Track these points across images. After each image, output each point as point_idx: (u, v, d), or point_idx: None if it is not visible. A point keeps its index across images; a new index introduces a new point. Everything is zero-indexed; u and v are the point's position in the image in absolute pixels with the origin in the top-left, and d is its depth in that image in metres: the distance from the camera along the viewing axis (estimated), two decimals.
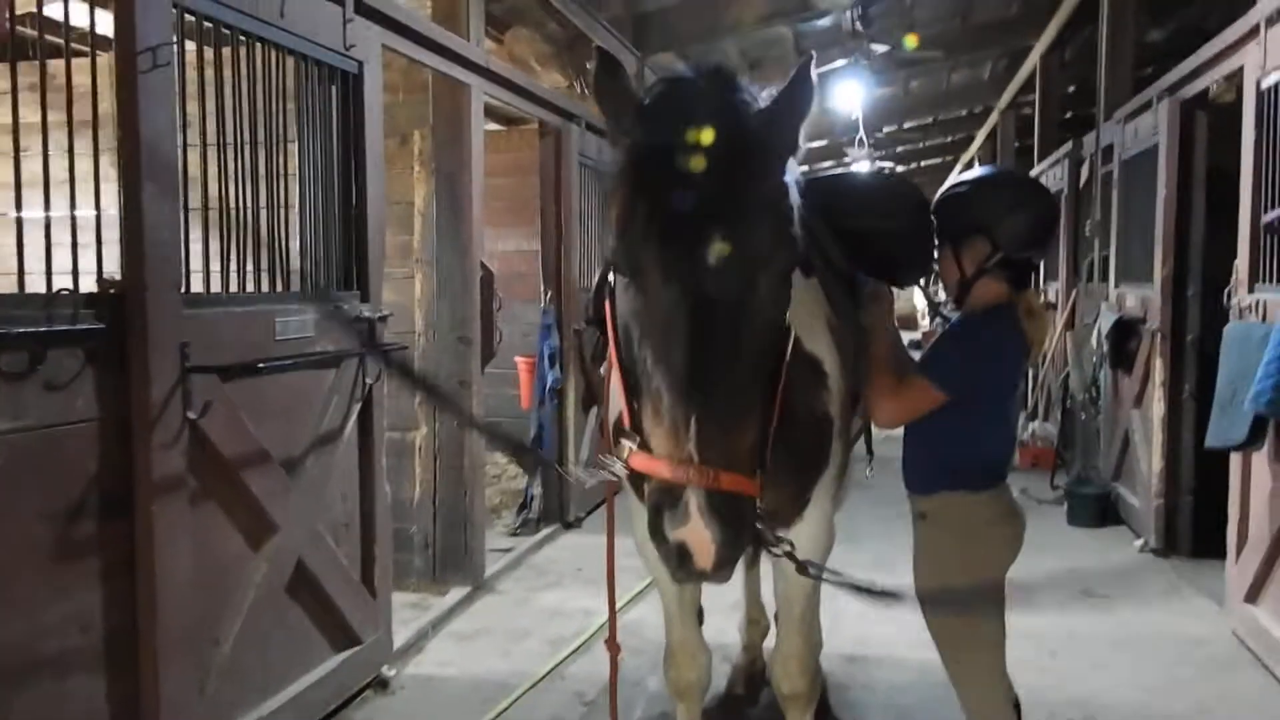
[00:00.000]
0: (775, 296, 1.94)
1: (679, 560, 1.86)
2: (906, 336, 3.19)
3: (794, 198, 2.14)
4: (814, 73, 2.05)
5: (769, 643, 3.43)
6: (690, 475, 1.81)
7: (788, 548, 2.17)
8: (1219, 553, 5.20)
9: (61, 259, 2.85)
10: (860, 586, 2.26)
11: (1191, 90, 6.00)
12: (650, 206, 1.85)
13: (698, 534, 1.82)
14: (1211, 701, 4.18)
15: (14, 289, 2.77)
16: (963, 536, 2.86)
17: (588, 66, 8.42)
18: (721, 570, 1.87)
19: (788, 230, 1.94)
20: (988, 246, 2.86)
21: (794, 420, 2.62)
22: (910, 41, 10.56)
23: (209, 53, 3.42)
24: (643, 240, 1.86)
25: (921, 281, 3.53)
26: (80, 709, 2.86)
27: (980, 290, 2.90)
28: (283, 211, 3.82)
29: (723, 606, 4.60)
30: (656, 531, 1.88)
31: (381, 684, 4.29)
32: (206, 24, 3.35)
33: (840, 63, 11.31)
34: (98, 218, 3.04)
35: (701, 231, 1.82)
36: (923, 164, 21.81)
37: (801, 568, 2.23)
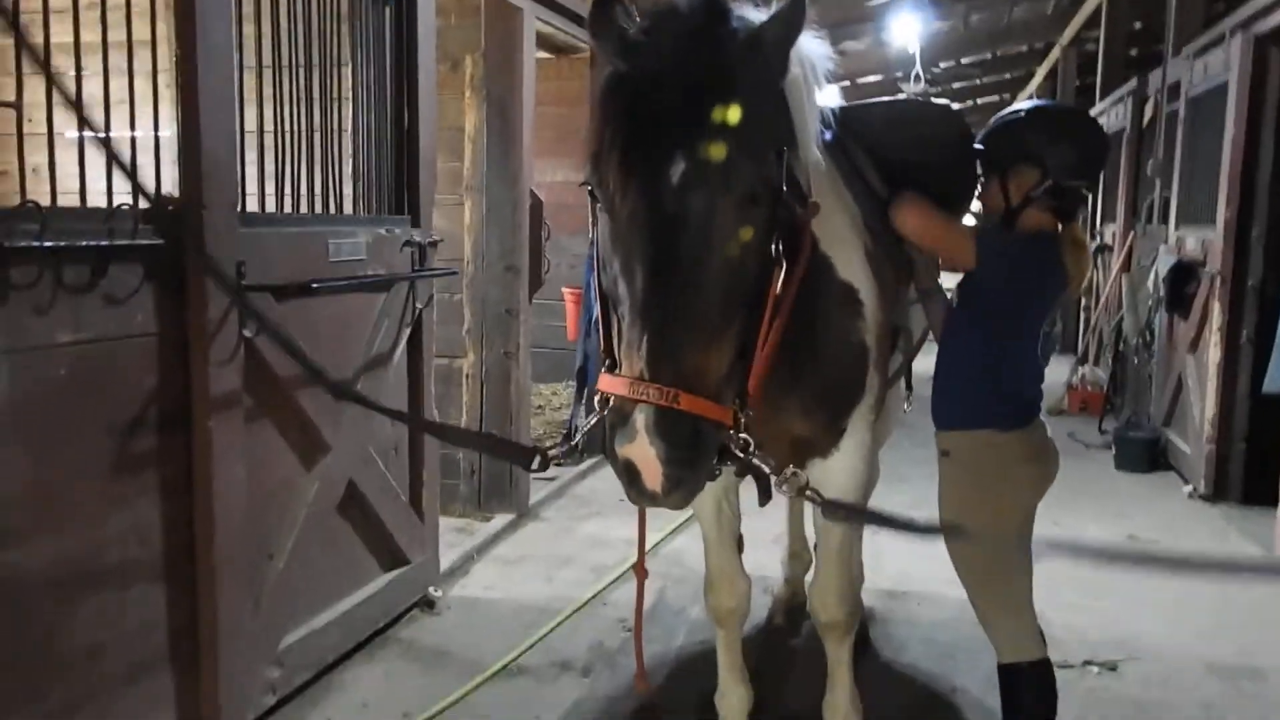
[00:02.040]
0: (748, 221, 1.92)
1: (629, 479, 1.87)
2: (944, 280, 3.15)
3: (808, 124, 2.14)
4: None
5: (811, 576, 3.46)
6: (646, 392, 1.80)
7: (798, 480, 2.13)
8: (1270, 500, 5.14)
9: (121, 181, 2.87)
10: (885, 517, 2.25)
11: (1267, 25, 5.78)
12: (617, 130, 1.90)
13: (642, 451, 1.82)
14: (1255, 646, 4.16)
15: (76, 204, 2.81)
16: (984, 475, 2.84)
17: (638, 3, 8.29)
18: (675, 493, 1.86)
19: (764, 156, 1.94)
20: (1036, 174, 2.81)
21: (826, 348, 2.61)
22: None
23: None
24: (608, 162, 1.90)
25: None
26: (139, 619, 2.94)
27: (1025, 220, 2.86)
28: (336, 135, 3.82)
29: (766, 540, 4.63)
30: (609, 449, 1.89)
31: (428, 604, 4.39)
32: None
33: None
34: (156, 138, 3.06)
35: (665, 152, 1.85)
36: (979, 101, 21.30)
37: (822, 502, 2.20)
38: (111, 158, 2.54)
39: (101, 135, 2.60)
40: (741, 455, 2.00)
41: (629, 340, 1.87)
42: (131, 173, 2.63)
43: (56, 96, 2.54)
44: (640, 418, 1.81)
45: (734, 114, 1.87)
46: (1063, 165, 2.80)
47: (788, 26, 2.01)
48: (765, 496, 2.21)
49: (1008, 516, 2.84)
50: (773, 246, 2.01)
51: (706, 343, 1.88)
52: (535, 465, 2.36)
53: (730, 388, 1.97)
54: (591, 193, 2.02)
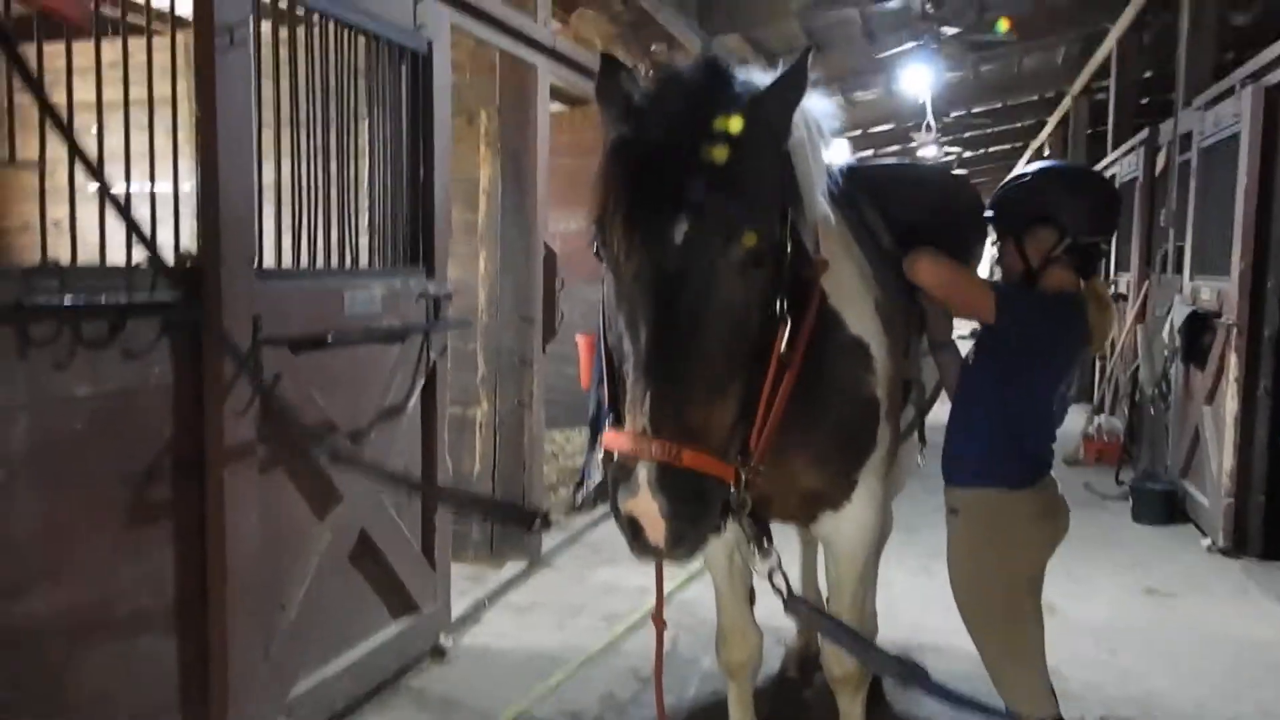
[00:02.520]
0: (751, 280, 1.96)
1: (632, 534, 1.89)
2: (968, 326, 3.17)
3: (814, 184, 2.21)
4: (810, 63, 2.09)
5: None
6: (650, 449, 1.83)
7: (773, 563, 2.14)
8: None
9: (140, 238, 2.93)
10: (850, 631, 2.25)
11: (1276, 76, 5.82)
12: (620, 193, 1.94)
13: (645, 507, 1.84)
14: (1275, 704, 4.09)
15: (95, 261, 2.86)
16: (994, 533, 2.83)
17: (653, 49, 8.42)
18: (678, 548, 1.88)
19: (766, 217, 1.98)
20: (1054, 235, 2.84)
21: (837, 401, 2.63)
22: (1003, 25, 10.35)
23: (284, 32, 3.48)
24: (612, 224, 1.94)
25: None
26: (150, 668, 2.96)
27: (1047, 281, 2.88)
28: (352, 188, 3.89)
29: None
30: (613, 504, 1.91)
31: (439, 653, 4.38)
32: (282, 3, 3.41)
33: (909, 45, 11.14)
34: (175, 193, 3.13)
35: (666, 214, 1.89)
36: (991, 150, 21.40)
37: (791, 600, 2.19)
38: (131, 225, 2.59)
39: (119, 195, 2.66)
40: (735, 513, 2.01)
41: (633, 397, 1.89)
42: (150, 238, 2.69)
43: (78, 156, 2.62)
44: (643, 473, 1.83)
45: (735, 176, 1.91)
46: (1079, 223, 2.83)
47: (790, 90, 2.06)
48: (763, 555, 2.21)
49: (1018, 573, 2.83)
50: (777, 304, 2.03)
51: (709, 399, 1.90)
52: (536, 527, 2.38)
53: (734, 444, 1.99)
54: (597, 253, 2.06)
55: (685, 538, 1.88)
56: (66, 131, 2.53)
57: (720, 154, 1.91)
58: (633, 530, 1.88)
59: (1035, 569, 2.87)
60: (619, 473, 1.89)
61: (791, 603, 2.13)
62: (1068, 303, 2.84)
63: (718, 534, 2.05)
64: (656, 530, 1.85)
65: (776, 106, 2.05)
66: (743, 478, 2.01)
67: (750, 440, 2.05)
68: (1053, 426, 2.98)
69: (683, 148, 1.92)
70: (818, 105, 2.39)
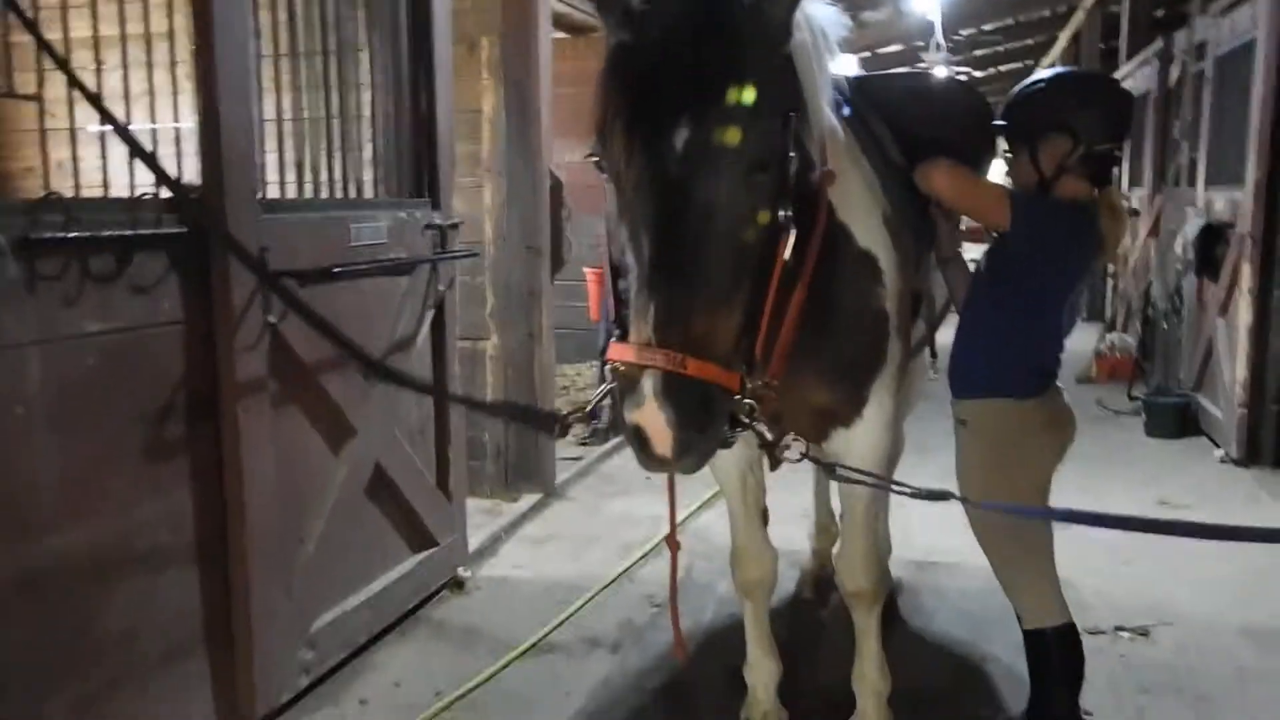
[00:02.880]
0: (753, 186, 1.93)
1: (639, 446, 1.88)
2: (978, 249, 3.14)
3: (818, 90, 2.17)
4: None
5: (838, 548, 3.47)
6: (654, 358, 1.81)
7: (791, 452, 2.14)
8: None
9: (143, 172, 2.91)
10: (890, 483, 2.25)
11: None
12: (620, 100, 1.91)
13: (651, 417, 1.83)
14: None
15: (99, 195, 2.84)
16: (1002, 444, 2.83)
17: None
18: (685, 458, 1.88)
19: (769, 122, 1.94)
20: (1067, 142, 2.79)
21: (846, 316, 2.61)
22: None
23: None
24: (612, 132, 1.91)
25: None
26: (173, 604, 2.99)
27: (1061, 190, 2.84)
28: (354, 120, 3.84)
29: (793, 514, 4.64)
30: (619, 415, 1.90)
31: (458, 584, 4.43)
32: None
33: None
34: (176, 129, 3.09)
35: (666, 119, 1.85)
36: (1002, 68, 21.01)
37: (828, 469, 2.21)
38: (132, 146, 2.56)
39: (122, 127, 2.62)
40: (745, 421, 2.00)
41: (636, 308, 1.88)
42: (152, 161, 2.64)
43: (78, 91, 2.58)
44: (648, 383, 1.82)
45: (735, 80, 1.87)
46: (1092, 130, 2.79)
47: None
48: (774, 463, 2.21)
49: (1027, 483, 2.84)
50: (782, 212, 2.00)
51: (713, 308, 1.89)
52: (556, 431, 2.38)
53: (739, 354, 1.98)
54: (599, 164, 2.03)
55: (692, 447, 1.87)
56: (65, 67, 2.48)
57: (719, 58, 1.87)
58: (639, 441, 1.87)
59: (1043, 478, 2.87)
60: (624, 384, 1.88)
61: (830, 471, 2.23)
62: (1081, 211, 2.81)
63: (726, 446, 2.05)
64: (663, 440, 1.84)
65: (776, 7, 2.00)
66: (748, 386, 1.99)
67: (756, 350, 2.03)
68: (1061, 337, 2.96)
69: (681, 53, 1.87)
70: (823, 11, 2.34)
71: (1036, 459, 2.85)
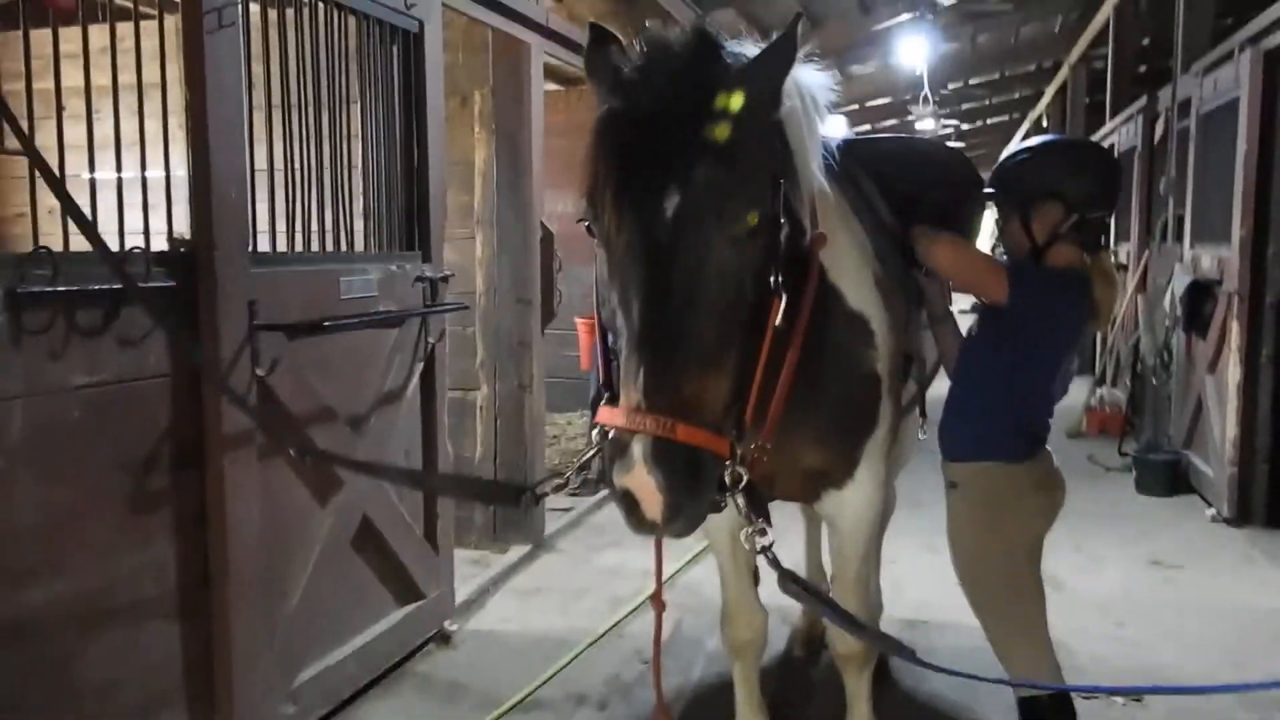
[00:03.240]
0: (743, 251, 1.94)
1: (628, 510, 1.88)
2: (969, 300, 3.15)
3: (808, 155, 2.19)
4: (799, 33, 2.06)
5: None
6: (644, 423, 1.81)
7: (764, 539, 2.09)
8: None
9: (133, 220, 2.91)
10: (842, 612, 2.22)
11: (1276, 40, 5.77)
12: (609, 166, 1.92)
13: (641, 481, 1.82)
14: None
15: (88, 248, 2.83)
16: (992, 506, 2.82)
17: (646, 25, 8.33)
18: (674, 522, 1.87)
19: (758, 188, 1.96)
20: (1060, 210, 2.81)
21: (838, 378, 2.61)
22: None
23: (273, 14, 3.43)
24: (602, 197, 1.93)
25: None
26: (154, 656, 2.95)
27: (1054, 257, 2.85)
28: (346, 172, 3.85)
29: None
30: (609, 480, 1.90)
31: (444, 638, 4.37)
32: None
33: (905, 17, 11.05)
34: (167, 178, 3.09)
35: (655, 186, 1.87)
36: (989, 121, 21.32)
37: (783, 576, 2.12)
38: (76, 217, 2.53)
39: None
40: (729, 489, 1.99)
41: (626, 372, 1.88)
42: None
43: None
44: (638, 448, 1.82)
45: (723, 148, 1.88)
46: (1084, 197, 2.81)
47: (779, 59, 2.04)
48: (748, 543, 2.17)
49: (1017, 544, 2.82)
50: (772, 277, 2.01)
51: (703, 373, 1.88)
52: (525, 502, 2.37)
53: (730, 418, 1.97)
54: (589, 229, 2.03)
55: (682, 512, 1.86)
56: (21, 133, 2.46)
57: (709, 126, 1.88)
58: (628, 505, 1.87)
59: (1034, 541, 2.86)
60: (615, 449, 1.87)
61: (783, 580, 2.08)
62: (1074, 279, 2.81)
63: (716, 510, 2.03)
64: (653, 505, 1.84)
65: (766, 76, 2.02)
66: (738, 452, 1.98)
67: (746, 415, 2.02)
68: (1052, 402, 2.96)
69: (671, 120, 1.89)
70: (812, 77, 2.36)
71: (1026, 521, 2.84)
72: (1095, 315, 2.88)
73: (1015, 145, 3.08)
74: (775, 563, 2.06)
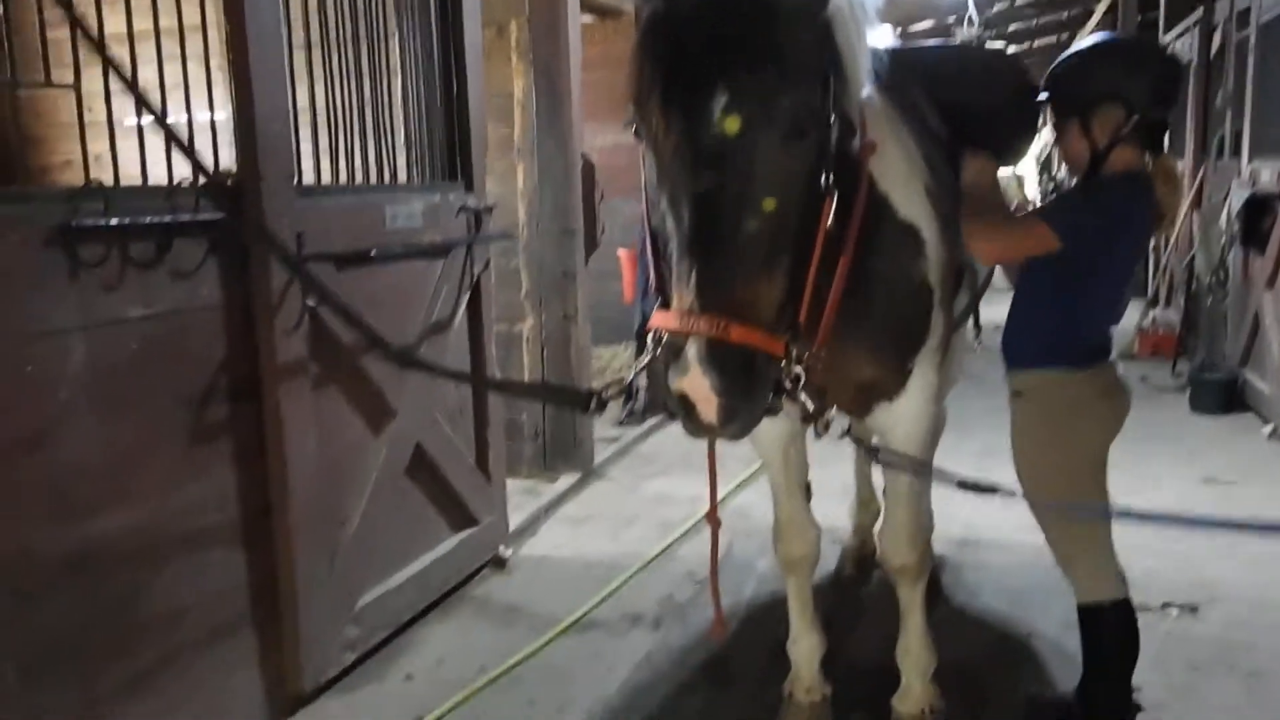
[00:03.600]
0: (792, 151, 1.91)
1: (685, 413, 1.88)
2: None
3: (857, 55, 2.13)
4: None
5: (879, 526, 3.45)
6: (696, 325, 1.81)
7: (833, 424, 2.10)
8: None
9: (181, 161, 2.93)
10: (934, 470, 2.22)
11: None
12: (655, 68, 1.90)
13: (696, 383, 1.83)
14: None
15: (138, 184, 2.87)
16: (1059, 415, 2.78)
17: None
18: (730, 425, 1.88)
19: (806, 87, 1.92)
20: (1120, 112, 2.71)
21: (889, 288, 2.59)
22: None
23: None
24: (648, 101, 1.90)
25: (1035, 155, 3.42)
26: (219, 583, 3.04)
27: (1115, 160, 2.75)
28: (386, 106, 3.85)
29: (834, 490, 4.61)
30: (664, 383, 1.91)
31: (499, 563, 4.47)
32: None
33: None
34: (211, 119, 3.12)
35: (703, 86, 1.84)
36: (1036, 43, 20.70)
37: (871, 452, 2.17)
38: (170, 136, 2.58)
39: (158, 117, 2.64)
40: (790, 389, 1.99)
41: (678, 275, 1.87)
42: (189, 149, 2.66)
43: (115, 83, 2.60)
44: (692, 350, 1.82)
45: (771, 46, 1.85)
46: (1144, 97, 2.71)
47: None
48: (819, 433, 2.19)
49: (1083, 453, 2.79)
50: (822, 179, 1.99)
51: (755, 274, 1.88)
52: (592, 407, 2.39)
53: (783, 321, 1.97)
54: (636, 133, 2.02)
55: (738, 413, 1.87)
56: (102, 55, 2.50)
57: (754, 23, 1.85)
58: (685, 408, 1.88)
59: (1100, 448, 2.82)
60: (669, 352, 1.88)
61: (868, 452, 2.10)
62: (1135, 185, 2.72)
63: (774, 413, 2.03)
64: (708, 407, 1.84)
65: None
66: (793, 352, 1.98)
67: (800, 316, 2.01)
68: (1120, 309, 2.90)
69: (716, 18, 1.86)
70: None
71: (1093, 430, 2.80)
72: (1159, 218, 2.80)
73: (1070, 48, 2.98)
74: (855, 439, 2.07)
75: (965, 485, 2.21)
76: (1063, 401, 2.78)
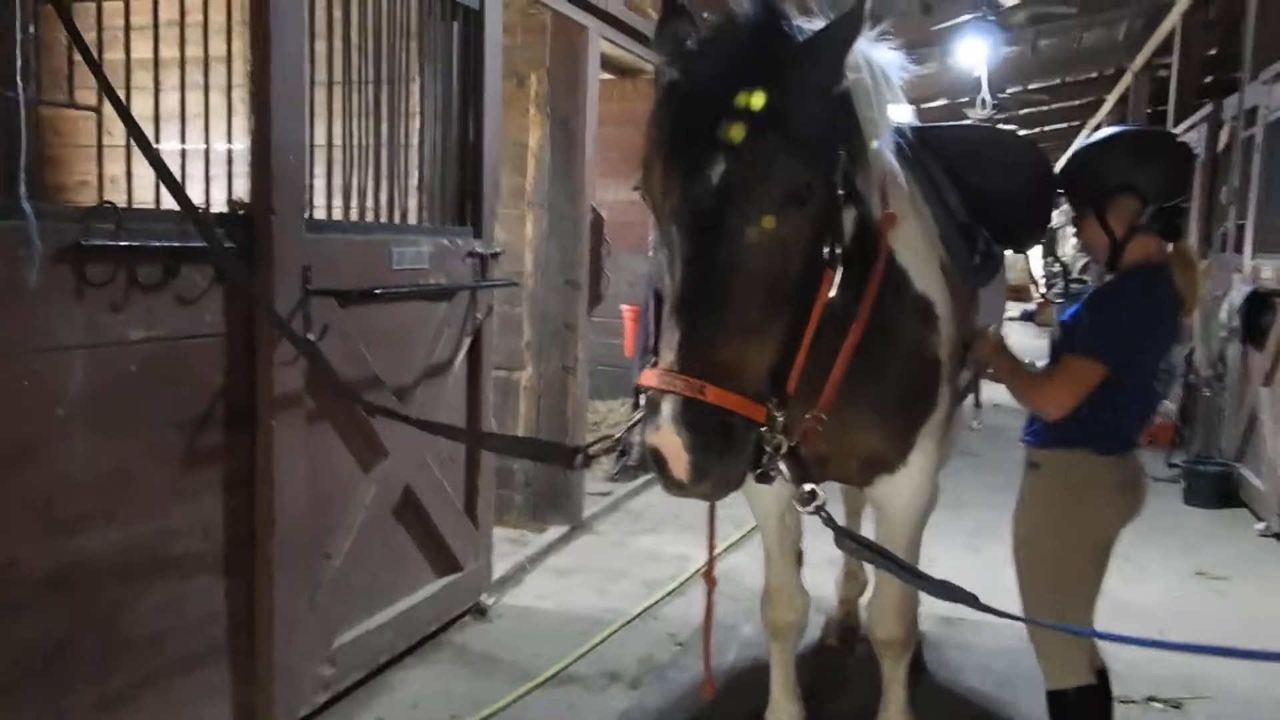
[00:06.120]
0: (790, 219, 1.93)
1: (656, 467, 1.89)
2: (1018, 307, 3.08)
3: (876, 127, 2.19)
4: (866, 9, 2.05)
5: (865, 599, 3.42)
6: (674, 383, 1.82)
7: (816, 499, 2.08)
8: None
9: (194, 192, 2.97)
10: (900, 563, 2.19)
11: None
12: (663, 133, 1.95)
13: (667, 440, 1.83)
14: None
15: (149, 206, 2.90)
16: (1073, 492, 2.76)
17: (705, 16, 8.33)
18: (701, 484, 1.87)
19: (812, 156, 1.95)
20: (1135, 202, 2.73)
21: (900, 359, 2.60)
22: None
23: None
24: (654, 164, 1.96)
25: (1051, 248, 3.44)
26: (200, 609, 3.02)
27: (1134, 249, 2.76)
28: (402, 148, 3.90)
29: (821, 560, 4.58)
30: (641, 438, 1.92)
31: (480, 611, 4.42)
32: None
33: (966, 18, 10.92)
34: (229, 149, 3.17)
35: (702, 150, 1.89)
36: (1047, 128, 20.98)
37: (840, 533, 2.11)
38: (158, 167, 2.59)
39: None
40: (770, 456, 1.99)
41: (665, 334, 1.90)
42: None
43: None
44: (667, 408, 1.83)
45: (771, 115, 1.88)
46: (1157, 187, 2.72)
47: (843, 32, 2.03)
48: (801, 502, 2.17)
49: (1088, 537, 2.76)
50: (825, 249, 2.01)
51: (739, 338, 1.89)
52: (578, 463, 2.39)
53: (769, 386, 1.96)
54: (643, 197, 2.06)
55: (708, 474, 1.87)
56: (99, 74, 2.53)
57: (760, 95, 1.88)
58: (656, 463, 1.89)
59: (1106, 536, 2.79)
60: (647, 408, 1.89)
61: (840, 537, 2.08)
62: (1154, 278, 2.72)
63: (766, 480, 2.03)
64: (678, 465, 1.85)
65: (829, 48, 2.02)
66: (778, 420, 1.98)
67: (789, 384, 2.01)
68: (1155, 398, 2.85)
69: (721, 88, 1.90)
70: (884, 54, 2.36)
71: (1103, 515, 2.77)
72: (1182, 306, 2.77)
73: (1082, 140, 3.01)
74: (830, 521, 2.06)
75: (945, 594, 2.18)
76: (1079, 481, 2.76)
